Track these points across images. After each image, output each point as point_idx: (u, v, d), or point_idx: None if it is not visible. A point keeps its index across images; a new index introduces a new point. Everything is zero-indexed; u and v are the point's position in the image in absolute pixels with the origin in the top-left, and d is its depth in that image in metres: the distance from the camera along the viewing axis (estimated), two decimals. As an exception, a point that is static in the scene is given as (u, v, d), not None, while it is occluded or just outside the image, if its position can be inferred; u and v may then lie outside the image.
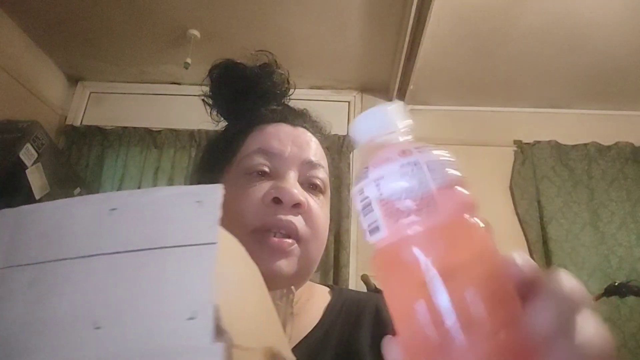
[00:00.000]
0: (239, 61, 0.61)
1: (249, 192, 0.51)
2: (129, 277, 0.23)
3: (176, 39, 2.20)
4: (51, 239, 0.25)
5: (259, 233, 0.50)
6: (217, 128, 0.65)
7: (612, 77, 2.26)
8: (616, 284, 1.62)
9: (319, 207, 0.54)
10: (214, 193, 0.26)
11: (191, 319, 0.21)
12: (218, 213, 0.25)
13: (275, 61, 0.62)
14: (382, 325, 0.53)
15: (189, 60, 2.15)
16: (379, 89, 2.50)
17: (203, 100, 0.63)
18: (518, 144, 2.46)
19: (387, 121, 0.31)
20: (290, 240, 0.50)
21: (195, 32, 2.14)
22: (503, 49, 2.12)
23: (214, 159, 0.59)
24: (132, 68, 2.49)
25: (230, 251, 0.27)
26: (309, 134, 0.58)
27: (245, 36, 2.14)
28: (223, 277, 0.24)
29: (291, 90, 0.63)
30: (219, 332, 0.21)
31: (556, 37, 2.02)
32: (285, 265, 0.50)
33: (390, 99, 2.51)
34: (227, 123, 0.64)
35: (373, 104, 2.51)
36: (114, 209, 0.26)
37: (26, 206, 0.27)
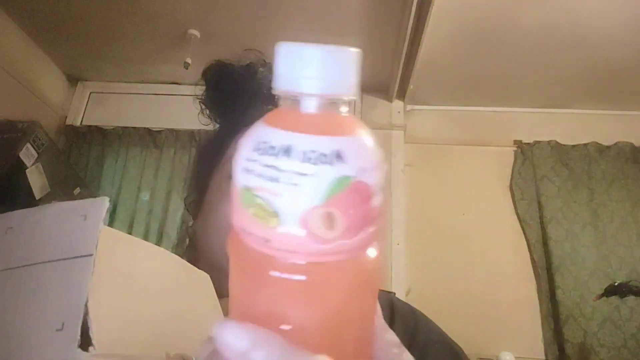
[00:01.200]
0: (228, 61, 0.62)
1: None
2: (12, 292, 0.24)
3: (176, 39, 2.20)
4: None
5: None
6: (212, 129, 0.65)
7: (612, 77, 2.26)
8: (616, 284, 1.63)
9: None
10: (99, 207, 0.27)
11: (59, 330, 0.22)
12: (99, 226, 0.25)
13: (264, 60, 0.62)
14: (397, 323, 0.52)
15: (189, 60, 2.15)
16: (379, 89, 2.50)
17: (198, 100, 0.64)
18: (518, 144, 2.46)
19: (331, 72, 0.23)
20: None
21: (195, 32, 2.14)
22: (503, 49, 2.12)
23: (204, 163, 0.60)
24: (132, 68, 2.49)
25: (119, 262, 0.27)
26: None
27: (245, 36, 2.14)
28: (102, 288, 0.24)
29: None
30: (85, 341, 0.21)
31: (556, 37, 2.01)
32: None
33: (390, 99, 2.51)
34: (216, 125, 0.64)
35: (373, 103, 2.52)
36: (10, 228, 0.26)
37: None
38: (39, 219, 0.27)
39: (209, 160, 0.59)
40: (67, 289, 0.23)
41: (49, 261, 0.24)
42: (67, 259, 0.24)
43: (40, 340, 0.22)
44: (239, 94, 0.60)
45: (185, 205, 0.65)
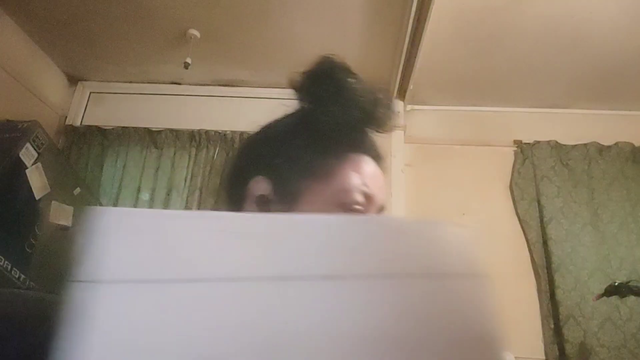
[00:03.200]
0: (351, 70, 0.58)
1: None
2: (418, 302, 0.25)
3: (176, 39, 2.20)
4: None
5: None
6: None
7: (612, 77, 2.26)
8: (616, 284, 1.62)
9: None
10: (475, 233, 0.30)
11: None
12: (478, 247, 0.29)
13: (382, 88, 0.61)
14: None
15: (189, 60, 2.15)
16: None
17: (291, 85, 0.59)
18: (518, 144, 2.46)
19: None
20: None
21: (195, 32, 2.14)
22: (503, 49, 2.12)
23: (295, 168, 0.56)
24: (132, 68, 2.49)
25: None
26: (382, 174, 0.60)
27: (245, 36, 2.14)
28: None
29: (395, 126, 0.63)
30: None
31: (556, 37, 2.01)
32: None
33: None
34: (310, 121, 0.58)
35: (373, 104, 2.51)
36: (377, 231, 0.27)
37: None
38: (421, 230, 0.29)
39: (303, 167, 0.55)
40: (480, 305, 0.26)
41: (448, 274, 0.27)
42: (467, 275, 0.27)
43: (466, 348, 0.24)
44: (365, 117, 0.58)
45: (257, 202, 0.57)
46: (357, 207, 0.53)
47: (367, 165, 0.58)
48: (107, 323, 0.22)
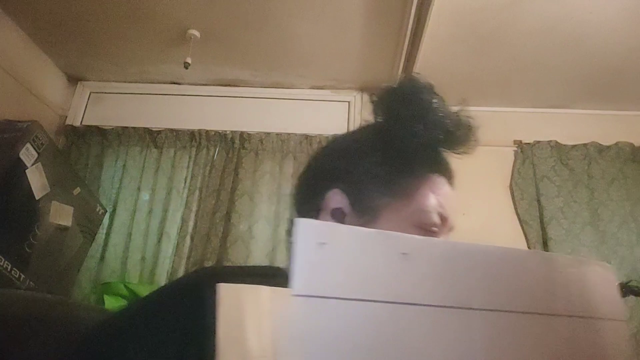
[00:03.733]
0: (435, 91, 0.60)
1: None
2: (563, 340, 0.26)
3: (176, 39, 2.20)
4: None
5: None
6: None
7: (612, 77, 2.26)
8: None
9: None
10: (611, 273, 0.31)
11: None
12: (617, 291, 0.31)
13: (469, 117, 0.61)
14: None
15: (189, 60, 2.15)
16: (379, 89, 2.50)
17: (372, 101, 0.60)
18: (518, 144, 2.46)
19: None
20: None
21: (195, 32, 2.14)
22: (503, 49, 2.12)
23: (375, 186, 0.56)
24: (132, 68, 2.49)
25: None
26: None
27: (245, 36, 2.14)
28: None
29: (471, 149, 0.63)
30: None
31: (556, 37, 2.01)
32: None
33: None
34: (392, 140, 0.58)
35: (373, 104, 2.52)
36: (560, 272, 0.29)
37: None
38: (580, 272, 0.30)
39: (382, 185, 0.56)
40: (621, 350, 0.26)
41: (596, 318, 0.27)
42: (612, 319, 0.28)
43: None
44: (448, 140, 0.59)
45: (332, 214, 0.57)
46: (434, 228, 0.54)
47: (444, 186, 0.59)
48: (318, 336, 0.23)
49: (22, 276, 1.53)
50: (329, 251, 0.25)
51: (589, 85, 2.34)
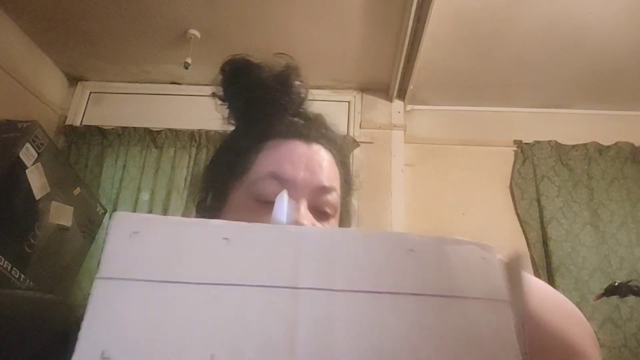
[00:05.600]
0: (256, 61, 0.56)
1: (257, 220, 0.51)
2: (437, 320, 0.26)
3: (176, 39, 2.20)
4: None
5: None
6: (222, 129, 0.61)
7: (612, 77, 2.26)
8: (616, 284, 1.62)
9: None
10: (493, 252, 0.30)
11: None
12: (501, 270, 0.29)
13: (296, 68, 0.57)
14: None
15: (189, 60, 2.15)
16: (379, 89, 2.50)
17: (213, 94, 0.58)
18: (518, 144, 2.46)
19: None
20: None
21: (195, 32, 2.14)
22: (503, 49, 2.12)
23: (222, 173, 0.56)
24: (132, 68, 2.49)
25: None
26: (323, 151, 0.55)
27: (245, 36, 2.14)
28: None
29: (308, 101, 0.59)
30: None
31: (556, 37, 2.01)
32: None
33: (390, 99, 2.51)
34: (235, 127, 0.60)
35: (373, 103, 2.52)
36: (411, 250, 0.28)
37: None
38: (438, 249, 0.29)
39: (227, 171, 0.55)
40: (497, 331, 0.26)
41: (465, 297, 0.26)
42: (486, 299, 0.27)
43: None
44: (266, 103, 0.56)
45: (196, 208, 0.61)
46: (272, 197, 0.48)
47: (287, 148, 0.53)
48: (120, 318, 0.23)
49: (22, 276, 1.53)
50: (141, 239, 0.25)
51: (589, 85, 2.34)
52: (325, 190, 0.52)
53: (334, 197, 0.54)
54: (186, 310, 0.23)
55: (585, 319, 0.40)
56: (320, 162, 0.54)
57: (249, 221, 0.50)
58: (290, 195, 0.49)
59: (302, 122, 0.58)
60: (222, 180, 0.55)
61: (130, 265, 0.24)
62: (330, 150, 0.57)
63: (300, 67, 0.57)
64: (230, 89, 0.57)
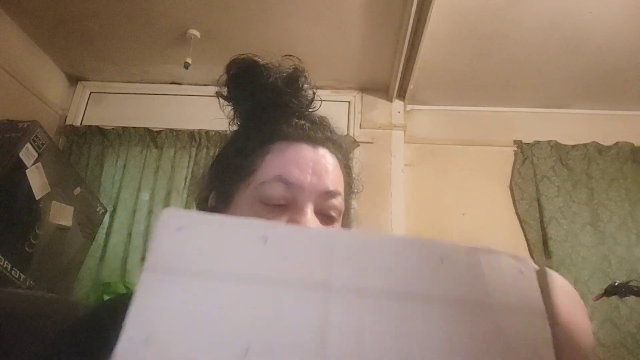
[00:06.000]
0: (263, 62, 0.56)
1: None
2: (483, 330, 0.26)
3: (176, 39, 2.20)
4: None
5: None
6: (223, 129, 0.61)
7: (612, 77, 2.26)
8: (616, 284, 1.62)
9: None
10: (530, 265, 0.30)
11: None
12: (537, 283, 0.30)
13: (304, 71, 0.57)
14: None
15: (189, 60, 2.15)
16: (379, 89, 2.50)
17: (217, 93, 0.58)
18: (518, 144, 2.46)
19: None
20: None
21: (195, 32, 2.14)
22: (503, 49, 2.12)
23: (227, 173, 0.56)
24: (132, 68, 2.49)
25: None
26: (329, 155, 0.55)
27: (245, 36, 2.14)
28: None
29: (316, 104, 0.59)
30: None
31: (556, 37, 2.02)
32: None
33: (390, 99, 2.52)
34: (240, 128, 0.60)
35: (373, 103, 2.52)
36: (444, 257, 0.28)
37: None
38: (472, 258, 0.29)
39: (233, 172, 0.55)
40: (533, 342, 0.26)
41: (499, 306, 0.27)
42: (521, 310, 0.27)
43: None
44: (274, 105, 0.56)
45: (197, 207, 0.62)
46: (278, 200, 0.50)
47: (294, 151, 0.53)
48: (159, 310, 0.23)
49: (22, 276, 1.53)
50: (186, 234, 0.26)
51: (589, 85, 2.34)
52: (331, 194, 0.53)
53: (339, 201, 0.54)
54: (224, 304, 0.24)
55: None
56: (326, 166, 0.54)
57: None
58: (297, 199, 0.51)
59: (308, 124, 0.57)
60: (227, 181, 0.55)
61: (175, 259, 0.25)
62: (336, 155, 0.57)
63: (307, 70, 0.57)
64: (237, 89, 0.57)
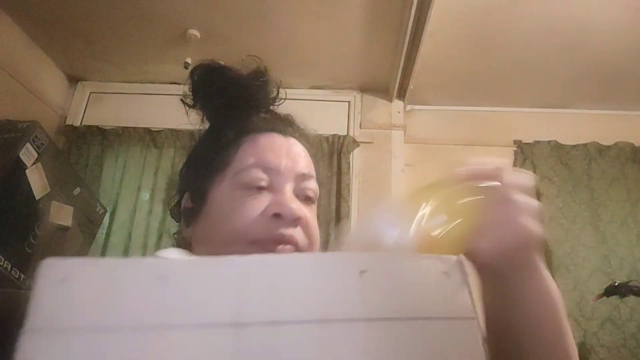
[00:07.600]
0: (225, 65, 0.59)
1: (248, 206, 0.52)
2: (396, 345, 0.24)
3: (176, 39, 2.20)
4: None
5: (261, 243, 0.51)
6: (198, 128, 0.64)
7: (612, 77, 2.26)
8: (616, 284, 1.62)
9: (313, 217, 0.56)
10: (462, 268, 0.28)
11: None
12: (468, 287, 0.27)
13: (266, 68, 0.60)
14: None
15: (189, 60, 2.15)
16: (379, 89, 2.50)
17: (182, 100, 0.62)
18: (518, 144, 2.46)
19: None
20: (292, 249, 0.52)
21: (195, 32, 2.14)
22: (503, 49, 2.12)
23: (204, 168, 0.58)
24: (132, 68, 2.49)
25: None
26: (299, 144, 0.59)
27: (245, 36, 2.14)
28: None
29: (281, 98, 0.63)
30: None
31: (556, 37, 2.02)
32: None
33: (390, 99, 2.52)
34: (211, 127, 0.63)
35: (373, 103, 2.52)
36: (363, 271, 0.26)
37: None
38: (393, 268, 0.27)
39: (208, 166, 0.57)
40: (465, 351, 0.25)
41: (426, 318, 0.25)
42: (450, 318, 0.26)
43: None
44: (242, 101, 0.59)
45: (170, 211, 0.63)
46: (259, 182, 0.52)
47: (266, 139, 0.57)
48: None
49: (22, 276, 1.53)
50: (70, 285, 0.24)
51: (589, 85, 2.34)
52: (306, 177, 0.56)
53: (314, 184, 0.57)
54: (120, 358, 0.22)
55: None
56: (299, 152, 0.58)
57: (237, 210, 0.51)
58: (275, 182, 0.53)
59: (276, 118, 0.61)
60: (201, 178, 0.57)
61: (59, 316, 0.23)
62: (304, 144, 0.60)
63: (270, 69, 0.60)
64: (205, 89, 0.60)
